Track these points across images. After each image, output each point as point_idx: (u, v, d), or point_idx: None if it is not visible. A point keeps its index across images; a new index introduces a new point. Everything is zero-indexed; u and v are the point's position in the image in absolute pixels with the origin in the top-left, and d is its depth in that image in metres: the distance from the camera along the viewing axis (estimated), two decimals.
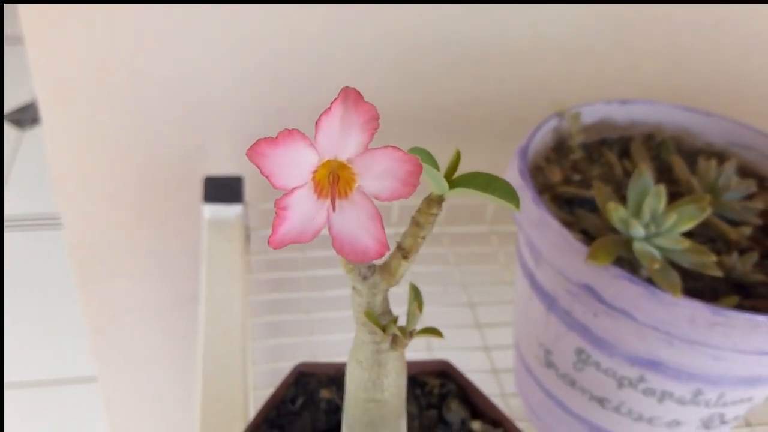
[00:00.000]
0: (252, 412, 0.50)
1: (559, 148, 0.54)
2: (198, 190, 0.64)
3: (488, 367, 0.59)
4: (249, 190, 0.65)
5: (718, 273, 0.41)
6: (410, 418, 0.39)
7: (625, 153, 0.55)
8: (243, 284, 0.58)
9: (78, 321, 1.42)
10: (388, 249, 0.25)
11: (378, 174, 0.24)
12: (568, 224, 0.46)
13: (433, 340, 0.62)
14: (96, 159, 0.64)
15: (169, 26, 0.58)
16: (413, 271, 0.63)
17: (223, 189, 0.62)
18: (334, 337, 0.59)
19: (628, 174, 0.52)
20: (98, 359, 0.79)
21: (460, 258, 0.68)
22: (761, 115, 0.74)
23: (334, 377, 0.41)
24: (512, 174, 0.48)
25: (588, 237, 0.46)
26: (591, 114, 0.54)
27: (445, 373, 0.42)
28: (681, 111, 0.56)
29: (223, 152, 0.65)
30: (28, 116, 1.99)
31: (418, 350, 0.60)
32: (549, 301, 0.46)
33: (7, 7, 2.01)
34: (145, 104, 0.62)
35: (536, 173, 0.51)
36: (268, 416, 0.39)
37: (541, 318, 0.48)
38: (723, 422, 0.47)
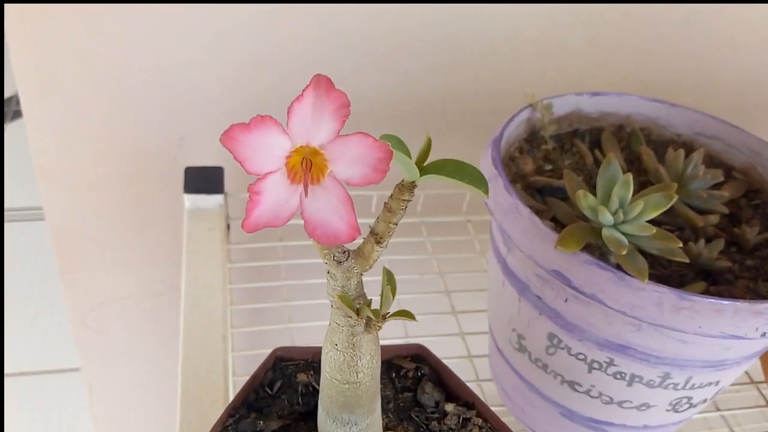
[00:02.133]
0: (232, 397, 0.51)
1: (532, 138, 0.55)
2: (179, 180, 0.64)
3: (464, 353, 0.60)
4: (229, 181, 0.66)
5: (684, 258, 0.42)
6: (386, 401, 0.40)
7: (596, 143, 0.56)
8: (223, 272, 0.58)
9: (59, 313, 1.42)
10: (359, 233, 0.26)
11: (349, 160, 0.25)
12: (539, 212, 0.47)
13: (410, 326, 0.64)
14: (78, 150, 0.64)
15: (151, 18, 0.59)
16: (391, 260, 0.64)
17: (203, 179, 0.62)
18: (313, 324, 0.60)
19: (599, 164, 0.53)
20: (80, 347, 0.80)
21: (437, 247, 0.69)
22: (728, 107, 0.75)
23: (311, 362, 0.42)
24: (485, 163, 0.49)
25: (559, 225, 0.47)
26: (562, 105, 0.56)
27: (419, 357, 0.43)
28: (649, 102, 0.57)
29: (204, 144, 0.65)
30: (8, 110, 1.98)
31: (396, 337, 0.61)
32: (521, 286, 0.48)
33: None
34: (127, 96, 0.62)
35: (509, 163, 0.52)
36: (246, 399, 0.40)
37: (513, 303, 0.49)
38: (691, 405, 0.48)
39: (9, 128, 1.92)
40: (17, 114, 1.95)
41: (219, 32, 0.61)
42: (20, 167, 1.78)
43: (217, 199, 0.63)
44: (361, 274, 0.31)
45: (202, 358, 0.52)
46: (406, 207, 0.29)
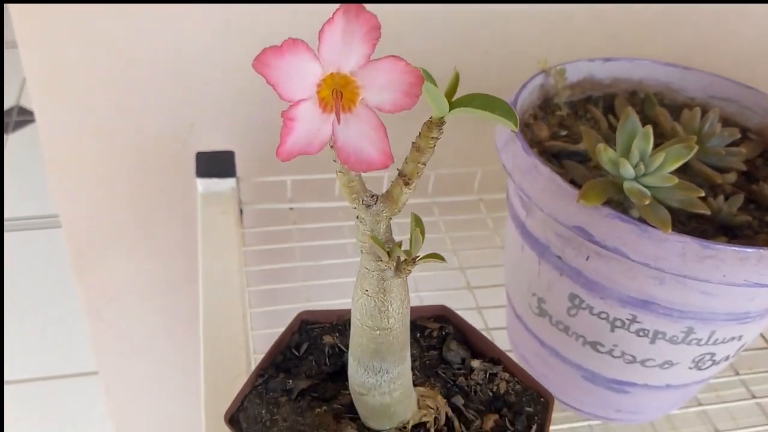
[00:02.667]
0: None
1: (546, 105, 0.55)
2: (190, 169, 0.64)
3: (482, 326, 0.60)
4: (239, 167, 0.66)
5: (705, 210, 0.42)
6: (412, 359, 0.40)
7: (609, 109, 0.56)
8: (239, 254, 0.58)
9: (72, 318, 1.42)
10: (392, 160, 0.25)
11: (381, 86, 0.25)
12: (557, 174, 0.47)
13: (428, 301, 0.63)
14: (88, 142, 0.64)
15: (158, 7, 0.59)
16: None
17: (215, 163, 0.62)
18: (330, 302, 0.59)
19: (613, 129, 0.53)
20: (96, 342, 0.79)
21: (449, 225, 0.69)
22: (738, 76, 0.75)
23: (336, 324, 0.42)
24: (501, 128, 0.49)
25: (578, 187, 0.47)
26: (575, 72, 0.56)
27: (443, 317, 0.43)
28: (662, 66, 0.57)
29: (214, 129, 0.65)
30: (9, 121, 1.99)
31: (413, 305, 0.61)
32: (540, 248, 0.47)
33: None
34: (135, 85, 0.62)
35: (524, 129, 0.52)
36: (274, 361, 0.40)
37: (533, 267, 0.49)
38: (714, 362, 0.48)
39: (11, 138, 1.93)
40: (18, 125, 1.96)
41: (226, 18, 0.61)
42: (26, 177, 1.79)
43: (229, 182, 0.63)
44: (390, 218, 0.31)
45: (223, 336, 0.52)
46: (435, 145, 0.29)
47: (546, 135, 0.53)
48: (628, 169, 0.41)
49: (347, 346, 0.40)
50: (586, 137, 0.46)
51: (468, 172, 0.71)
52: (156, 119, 0.65)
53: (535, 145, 0.51)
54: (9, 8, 0.57)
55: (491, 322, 0.61)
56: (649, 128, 0.42)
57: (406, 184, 0.30)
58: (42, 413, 1.30)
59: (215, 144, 0.67)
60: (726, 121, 0.55)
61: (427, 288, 0.63)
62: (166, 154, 0.67)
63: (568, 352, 0.50)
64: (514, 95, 0.51)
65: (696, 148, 0.41)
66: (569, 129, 0.54)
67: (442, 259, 0.31)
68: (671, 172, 0.42)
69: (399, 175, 0.30)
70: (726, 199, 0.47)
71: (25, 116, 1.99)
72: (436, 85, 0.28)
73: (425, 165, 0.30)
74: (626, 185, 0.42)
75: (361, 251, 0.32)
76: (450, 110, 0.28)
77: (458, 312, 0.60)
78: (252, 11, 0.61)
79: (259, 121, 0.67)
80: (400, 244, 0.31)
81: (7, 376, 1.34)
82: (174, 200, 0.70)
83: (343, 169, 0.29)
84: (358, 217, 0.31)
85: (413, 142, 0.30)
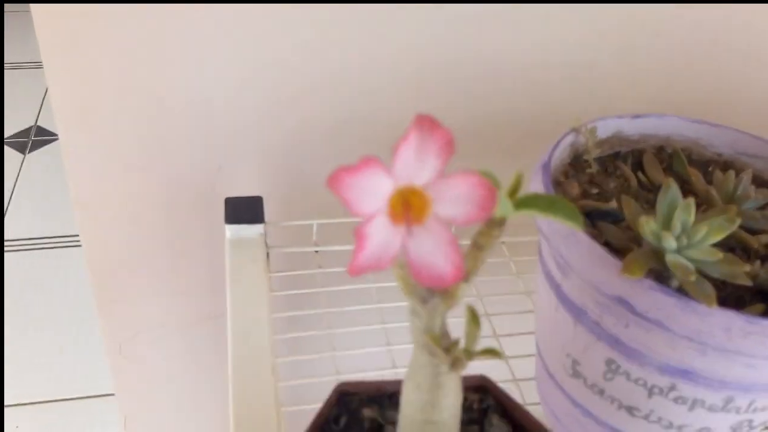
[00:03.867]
0: (282, 429, 0.51)
1: (576, 162, 0.55)
2: (217, 209, 0.64)
3: (509, 377, 0.60)
4: (266, 209, 0.66)
5: (747, 282, 0.42)
6: None
7: (637, 165, 0.56)
8: (268, 303, 0.58)
9: (89, 340, 1.42)
10: (464, 275, 0.25)
11: (452, 199, 0.25)
12: (592, 237, 0.47)
13: None
14: (116, 181, 0.64)
15: (189, 50, 0.59)
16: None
17: (244, 209, 0.62)
18: (356, 351, 0.59)
19: (643, 186, 0.53)
20: (116, 377, 0.79)
21: None
22: (759, 126, 0.76)
23: (375, 396, 0.42)
24: (536, 188, 0.49)
25: (612, 249, 0.47)
26: (604, 128, 0.55)
27: (483, 387, 0.43)
28: (690, 123, 0.57)
29: (242, 173, 0.65)
30: (28, 140, 2.00)
31: None
32: (577, 312, 0.47)
33: (9, 35, 2.01)
34: (164, 126, 0.62)
35: (556, 188, 0.52)
36: None
37: (568, 329, 0.49)
38: (751, 428, 0.48)
39: (29, 158, 1.93)
40: (36, 144, 1.96)
41: (255, 62, 0.61)
42: (46, 196, 1.79)
43: (257, 228, 0.62)
44: (446, 313, 0.31)
45: (252, 389, 0.52)
46: (496, 243, 0.29)
47: (577, 193, 0.52)
48: (671, 242, 0.41)
49: (386, 420, 0.40)
50: (626, 206, 0.46)
51: None
52: (184, 160, 0.65)
53: None
54: (39, 38, 0.56)
55: (518, 372, 0.61)
56: (692, 200, 0.42)
57: (465, 279, 0.30)
58: None
59: (243, 186, 0.67)
60: (754, 179, 0.55)
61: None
62: (193, 195, 0.67)
63: (602, 414, 0.50)
64: (548, 155, 0.51)
65: (738, 221, 0.41)
66: (600, 186, 0.53)
67: (500, 355, 0.30)
68: (712, 244, 0.42)
69: None
70: (762, 263, 0.46)
71: (44, 136, 2.00)
72: (499, 186, 0.28)
73: (485, 262, 0.30)
74: (669, 258, 0.41)
75: (415, 345, 0.31)
76: (514, 211, 0.28)
77: (485, 361, 0.60)
78: (283, 55, 0.61)
79: (285, 163, 0.67)
80: (457, 343, 0.30)
81: (21, 398, 1.33)
82: (200, 240, 0.70)
83: (402, 263, 0.29)
84: (413, 311, 0.31)
85: (473, 239, 0.29)
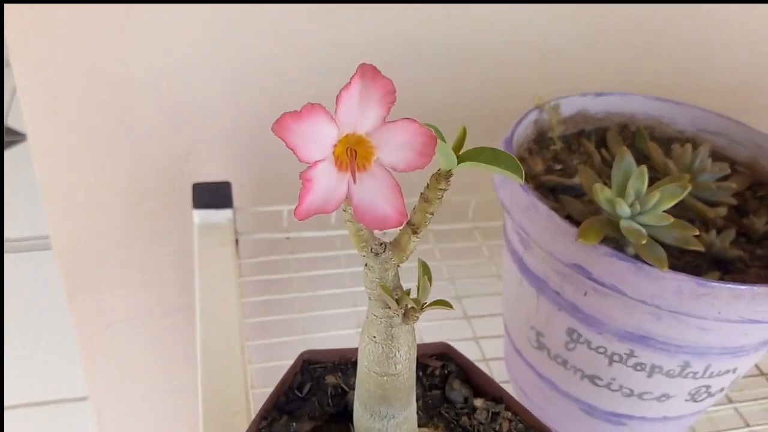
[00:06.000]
0: (252, 409, 0.51)
1: (540, 139, 0.56)
2: (186, 197, 0.65)
3: (479, 357, 0.61)
4: (235, 194, 0.66)
5: (699, 247, 0.43)
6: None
7: (601, 143, 0.57)
8: (237, 286, 0.59)
9: (64, 342, 1.41)
10: (407, 217, 0.26)
11: (395, 146, 0.26)
12: (554, 210, 0.48)
13: (425, 332, 0.64)
14: (83, 169, 0.64)
15: (153, 34, 0.59)
16: (402, 267, 0.65)
17: (212, 194, 0.63)
18: (328, 334, 0.60)
19: (606, 162, 0.54)
20: (88, 370, 0.79)
21: (445, 254, 0.70)
22: (717, 108, 0.77)
23: (338, 364, 0.42)
24: None
25: (574, 222, 0.48)
26: (568, 106, 0.57)
27: (445, 354, 0.44)
28: (653, 101, 0.58)
29: (211, 158, 0.66)
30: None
31: None
32: (539, 284, 0.48)
33: None
34: (132, 113, 0.62)
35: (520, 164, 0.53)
36: (277, 403, 0.40)
37: (531, 301, 0.50)
38: (709, 394, 0.49)
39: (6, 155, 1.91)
40: (4, 144, 1.95)
41: (225, 47, 0.62)
42: (16, 197, 1.78)
43: (226, 213, 0.63)
44: (398, 266, 0.32)
45: (222, 372, 0.52)
46: (442, 196, 0.30)
47: (541, 169, 0.53)
48: (624, 209, 0.42)
49: (350, 386, 0.41)
50: (583, 175, 0.47)
51: (462, 200, 0.72)
52: (152, 147, 0.65)
53: (531, 179, 0.52)
54: (6, 30, 0.57)
55: (488, 352, 0.61)
56: (644, 168, 0.43)
57: (414, 233, 0.31)
58: None
59: (213, 172, 0.67)
60: (715, 155, 0.56)
61: (423, 318, 0.64)
62: (162, 182, 0.67)
63: (566, 385, 0.51)
64: (510, 131, 0.52)
65: (689, 188, 0.42)
66: (563, 163, 0.55)
67: (450, 306, 0.31)
68: (665, 210, 0.43)
69: (407, 224, 0.31)
70: (718, 233, 0.48)
71: (12, 137, 1.98)
72: (444, 140, 0.29)
73: (433, 215, 0.31)
74: (623, 224, 0.43)
75: (369, 298, 0.32)
76: (458, 163, 0.29)
77: (455, 342, 0.61)
78: (248, 36, 0.61)
79: (255, 149, 0.68)
80: (408, 292, 0.31)
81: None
82: (170, 228, 0.70)
83: (353, 219, 0.30)
84: (366, 265, 0.31)
85: (421, 193, 0.30)
